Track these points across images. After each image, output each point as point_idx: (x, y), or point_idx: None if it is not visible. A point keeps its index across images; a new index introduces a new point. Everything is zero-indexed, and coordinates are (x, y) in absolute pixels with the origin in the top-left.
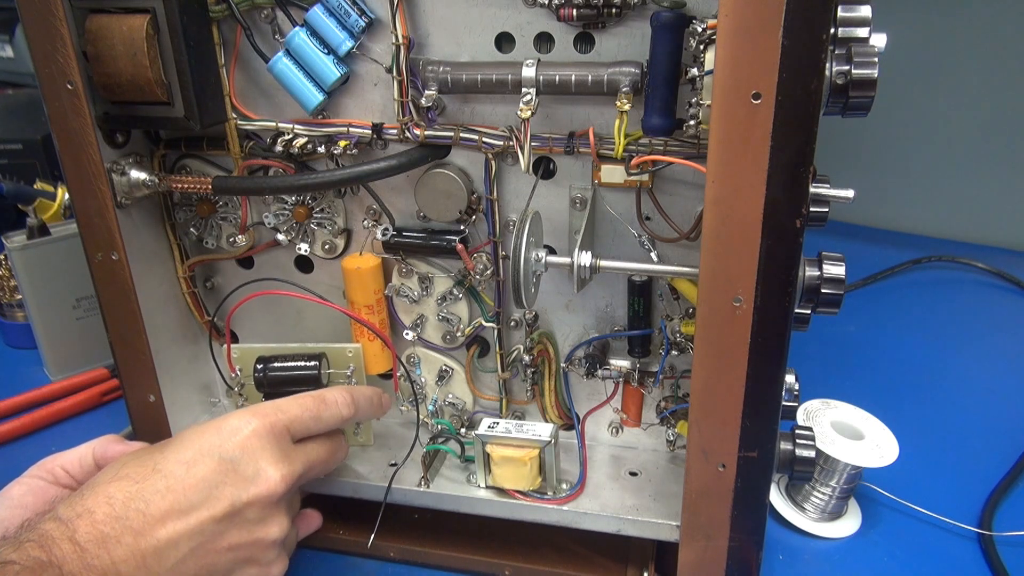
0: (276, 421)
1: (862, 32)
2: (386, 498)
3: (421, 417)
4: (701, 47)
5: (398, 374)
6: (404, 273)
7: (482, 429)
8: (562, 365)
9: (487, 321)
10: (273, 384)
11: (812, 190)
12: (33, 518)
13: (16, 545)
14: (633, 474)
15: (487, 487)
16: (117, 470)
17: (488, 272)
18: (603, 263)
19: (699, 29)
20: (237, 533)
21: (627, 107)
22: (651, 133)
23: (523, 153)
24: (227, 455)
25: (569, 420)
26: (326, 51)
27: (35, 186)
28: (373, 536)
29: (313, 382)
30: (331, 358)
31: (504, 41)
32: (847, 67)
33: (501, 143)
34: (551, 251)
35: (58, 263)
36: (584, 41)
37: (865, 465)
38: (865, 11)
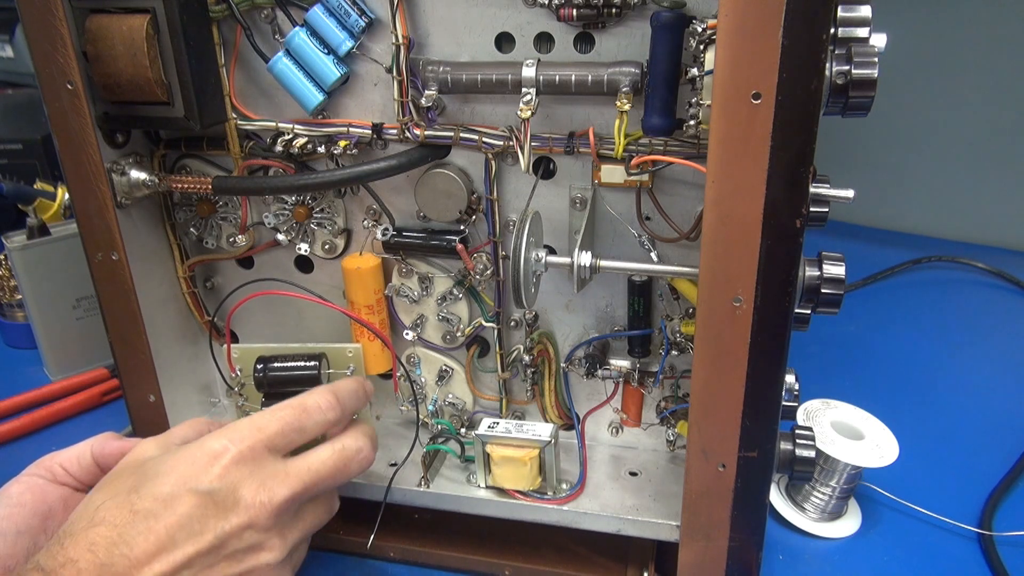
0: (255, 443)
1: (862, 32)
2: (386, 498)
3: (421, 417)
4: (701, 47)
5: (398, 374)
6: (404, 273)
7: (482, 429)
8: (562, 365)
9: (487, 321)
10: (273, 384)
11: (812, 190)
12: (13, 565)
13: None
14: (633, 474)
15: (487, 487)
16: (92, 514)
17: (488, 272)
18: (603, 263)
19: (699, 29)
20: (227, 565)
21: (627, 107)
22: (651, 133)
23: (523, 153)
24: (204, 488)
25: (569, 420)
26: (326, 51)
27: (35, 186)
28: (373, 536)
29: (313, 382)
30: (331, 358)
31: (504, 41)
32: (847, 67)
33: (501, 143)
34: (551, 251)
35: (58, 263)
36: (584, 41)
37: (865, 465)
38: (865, 11)
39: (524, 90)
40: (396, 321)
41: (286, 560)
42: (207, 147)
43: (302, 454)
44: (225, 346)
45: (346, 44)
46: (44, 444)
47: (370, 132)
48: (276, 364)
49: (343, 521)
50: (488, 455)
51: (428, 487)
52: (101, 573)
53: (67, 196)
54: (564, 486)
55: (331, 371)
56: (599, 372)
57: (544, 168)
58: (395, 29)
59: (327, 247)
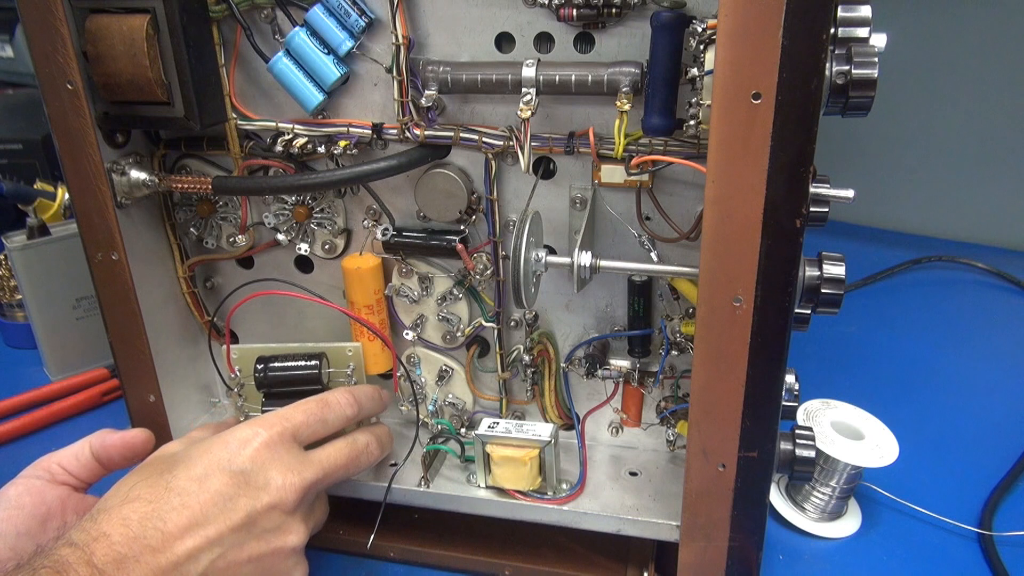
0: (283, 430)
1: (862, 32)
2: (386, 498)
3: (421, 417)
4: (701, 47)
5: (398, 374)
6: (404, 273)
7: (482, 429)
8: (562, 365)
9: (487, 321)
10: (273, 384)
11: (812, 190)
12: (46, 544)
13: (30, 572)
14: (633, 474)
15: (487, 487)
16: (127, 492)
17: (488, 272)
18: (603, 263)
19: (699, 29)
20: (256, 544)
21: (627, 107)
22: (651, 133)
23: (523, 153)
24: (237, 468)
25: (569, 420)
26: (326, 51)
27: (35, 186)
28: (373, 536)
29: (314, 382)
30: (331, 358)
31: (504, 41)
32: (847, 67)
33: (501, 143)
34: (551, 251)
35: (58, 263)
36: (584, 41)
37: (865, 465)
38: (865, 11)
39: (524, 90)
40: (396, 321)
41: (303, 553)
42: (207, 147)
43: (320, 447)
44: (225, 346)
45: (346, 44)
46: (44, 444)
47: (370, 132)
48: (276, 364)
49: (343, 521)
50: (488, 455)
51: (428, 487)
52: (134, 546)
53: (67, 196)
54: (564, 486)
55: (331, 370)
56: (599, 372)
57: (544, 168)
58: (395, 29)
59: (327, 247)
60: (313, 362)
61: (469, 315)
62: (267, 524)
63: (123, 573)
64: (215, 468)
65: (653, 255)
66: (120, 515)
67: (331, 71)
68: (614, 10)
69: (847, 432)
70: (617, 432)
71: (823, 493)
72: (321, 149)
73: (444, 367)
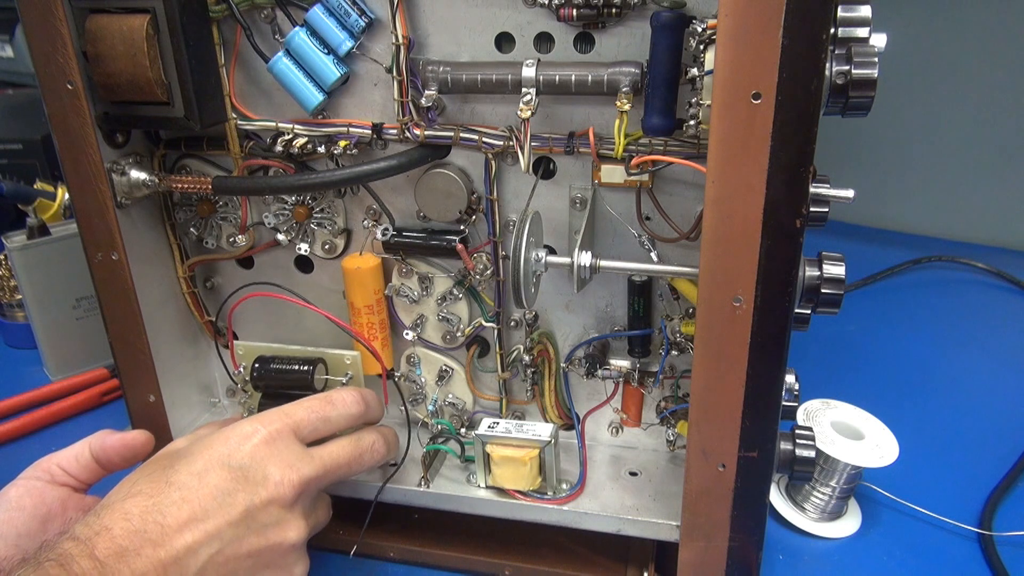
0: (283, 426)
1: (862, 32)
2: (377, 497)
3: (421, 417)
4: (701, 47)
5: (390, 380)
6: (404, 273)
7: (482, 429)
8: (562, 365)
9: (487, 321)
10: (267, 384)
11: (812, 190)
12: (51, 539)
13: (35, 566)
14: (633, 474)
15: (487, 487)
16: (130, 487)
17: (488, 272)
18: (603, 263)
19: (699, 29)
20: (255, 539)
21: (627, 107)
22: (651, 133)
23: (523, 153)
24: (236, 463)
25: (569, 420)
26: (326, 51)
27: (35, 186)
28: (359, 541)
29: (304, 387)
30: (330, 364)
31: (504, 41)
32: (847, 67)
33: (501, 143)
34: (551, 251)
35: (58, 263)
36: (584, 41)
37: (865, 465)
38: (865, 11)
39: (524, 90)
40: (396, 321)
41: (303, 549)
42: (207, 147)
43: (323, 444)
44: (225, 346)
45: (346, 44)
46: (44, 444)
47: (370, 132)
48: (272, 366)
49: (343, 521)
50: (488, 455)
51: (428, 487)
52: (134, 539)
53: (67, 196)
54: (564, 486)
55: (327, 377)
56: (599, 372)
57: (544, 168)
58: (395, 29)
59: (327, 247)
60: (306, 367)
61: (469, 315)
62: (265, 519)
63: (124, 566)
64: (215, 463)
65: (653, 255)
66: (122, 509)
67: (331, 71)
68: (614, 10)
69: (847, 432)
70: (617, 432)
71: (823, 493)
72: (321, 149)
73: (444, 367)
